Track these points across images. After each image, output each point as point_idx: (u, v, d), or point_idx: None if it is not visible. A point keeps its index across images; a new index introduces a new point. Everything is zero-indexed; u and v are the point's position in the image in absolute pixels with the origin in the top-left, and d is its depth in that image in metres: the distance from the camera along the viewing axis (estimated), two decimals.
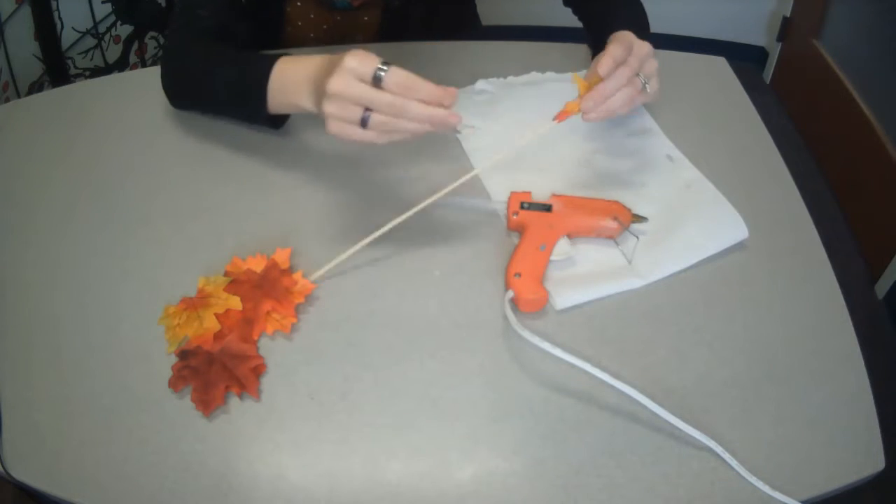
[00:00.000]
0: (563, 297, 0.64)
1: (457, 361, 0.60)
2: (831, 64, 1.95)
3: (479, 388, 0.58)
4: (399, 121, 0.59)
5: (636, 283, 0.66)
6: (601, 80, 0.65)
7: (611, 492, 0.53)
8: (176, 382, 0.57)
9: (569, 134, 0.79)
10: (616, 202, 0.68)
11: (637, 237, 0.68)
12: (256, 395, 0.57)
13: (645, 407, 0.55)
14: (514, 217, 0.67)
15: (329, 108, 0.59)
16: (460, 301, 0.64)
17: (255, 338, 0.61)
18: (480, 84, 0.86)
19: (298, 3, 0.92)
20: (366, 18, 0.94)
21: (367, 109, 0.59)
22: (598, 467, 0.54)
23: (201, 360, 0.59)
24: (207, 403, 0.56)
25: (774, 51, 2.27)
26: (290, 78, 0.68)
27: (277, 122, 0.77)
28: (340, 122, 0.60)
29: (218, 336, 0.60)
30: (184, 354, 0.59)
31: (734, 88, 0.90)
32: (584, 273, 0.66)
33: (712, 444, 0.54)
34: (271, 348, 0.61)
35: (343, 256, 0.65)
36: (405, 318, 0.63)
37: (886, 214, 1.67)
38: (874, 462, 0.55)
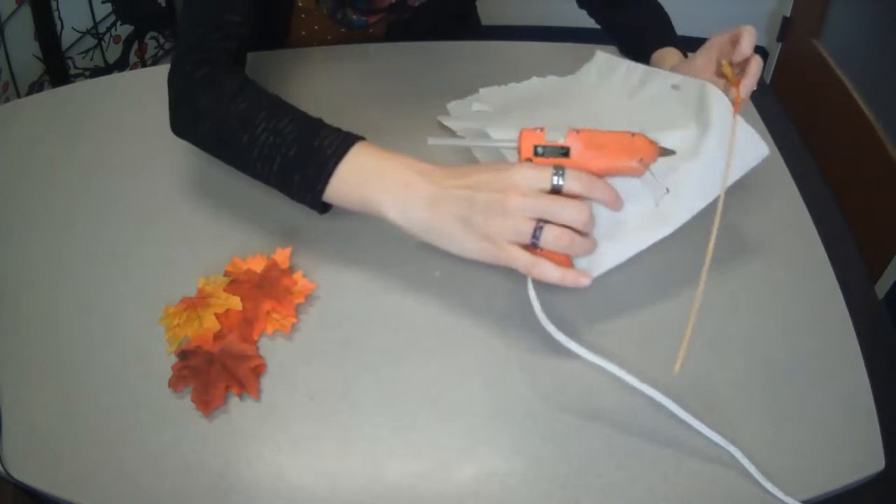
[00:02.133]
0: (596, 262, 0.59)
1: (457, 361, 0.60)
2: (831, 64, 1.95)
3: (479, 388, 0.58)
4: (576, 234, 0.56)
5: (665, 230, 0.61)
6: (729, 64, 0.70)
7: (611, 492, 0.53)
8: (176, 382, 0.57)
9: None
10: (640, 135, 0.60)
11: (667, 189, 0.61)
12: (256, 395, 0.57)
13: (657, 409, 0.55)
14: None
15: (500, 229, 0.55)
16: (460, 301, 0.64)
17: (255, 338, 0.61)
18: (476, 105, 0.82)
19: (303, 15, 0.92)
20: (371, 31, 0.94)
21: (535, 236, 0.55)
22: (598, 467, 0.54)
23: (201, 360, 0.59)
24: (207, 403, 0.56)
25: (774, 51, 2.27)
26: (376, 168, 0.60)
27: (326, 205, 0.64)
28: (510, 248, 0.56)
29: (218, 336, 0.60)
30: (184, 354, 0.59)
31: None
32: (609, 229, 0.61)
33: (731, 448, 0.54)
34: (271, 348, 0.61)
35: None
36: (405, 318, 0.63)
37: (886, 214, 1.67)
38: (874, 462, 0.55)
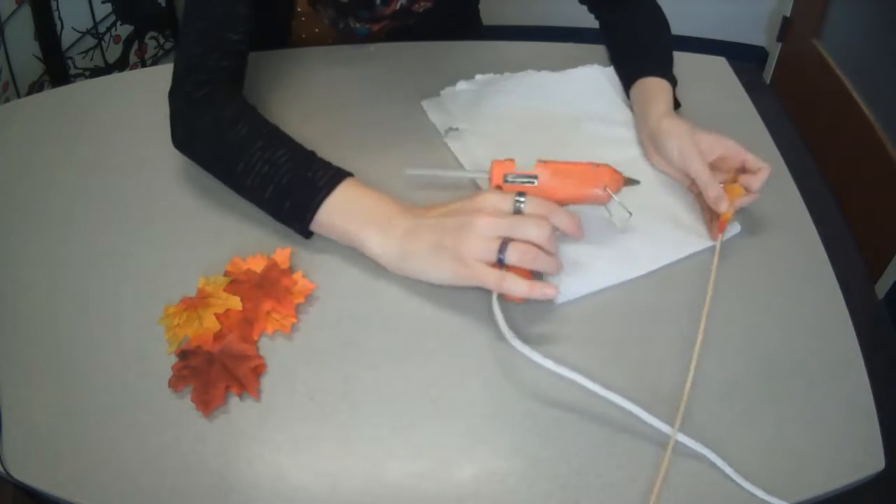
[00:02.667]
0: (564, 288, 0.63)
1: (457, 361, 0.60)
2: (831, 64, 1.95)
3: (479, 388, 0.58)
4: (539, 251, 0.59)
5: (637, 271, 0.66)
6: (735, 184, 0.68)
7: (611, 492, 0.53)
8: (176, 382, 0.57)
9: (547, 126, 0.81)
10: (606, 166, 0.65)
11: (630, 213, 0.66)
12: (256, 395, 0.57)
13: (647, 400, 0.55)
14: None
15: (469, 249, 0.59)
16: (460, 301, 0.64)
17: (255, 338, 0.61)
18: (461, 84, 0.85)
19: (303, 19, 0.92)
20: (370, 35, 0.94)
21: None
22: (598, 467, 0.54)
23: (201, 360, 0.59)
24: (207, 403, 0.56)
25: (774, 51, 2.27)
26: (361, 204, 0.64)
27: (310, 231, 0.67)
28: (481, 268, 0.59)
29: (218, 336, 0.60)
30: (184, 354, 0.59)
31: (734, 88, 0.90)
32: (580, 259, 0.66)
33: (706, 451, 0.54)
34: (271, 348, 0.61)
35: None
36: (405, 318, 0.63)
37: (886, 214, 1.67)
38: (874, 462, 0.55)
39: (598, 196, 0.65)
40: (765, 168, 0.68)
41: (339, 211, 0.64)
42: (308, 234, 0.67)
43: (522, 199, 0.60)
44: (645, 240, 0.68)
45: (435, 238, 0.60)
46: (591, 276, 0.65)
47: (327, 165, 0.66)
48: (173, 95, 0.73)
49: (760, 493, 0.52)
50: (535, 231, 0.59)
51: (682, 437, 0.54)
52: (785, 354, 0.61)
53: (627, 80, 0.83)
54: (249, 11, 0.74)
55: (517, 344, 0.57)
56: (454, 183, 0.72)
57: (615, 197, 0.65)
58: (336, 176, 0.65)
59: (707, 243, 0.68)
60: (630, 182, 0.67)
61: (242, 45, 0.74)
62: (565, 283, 0.64)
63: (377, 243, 0.63)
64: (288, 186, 0.65)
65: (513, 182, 0.63)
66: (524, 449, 0.55)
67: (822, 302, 0.66)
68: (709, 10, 2.26)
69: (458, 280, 0.60)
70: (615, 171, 0.65)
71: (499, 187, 0.64)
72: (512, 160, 0.64)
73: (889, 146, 1.69)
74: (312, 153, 0.67)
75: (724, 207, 0.66)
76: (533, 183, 0.64)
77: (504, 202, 0.60)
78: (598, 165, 0.65)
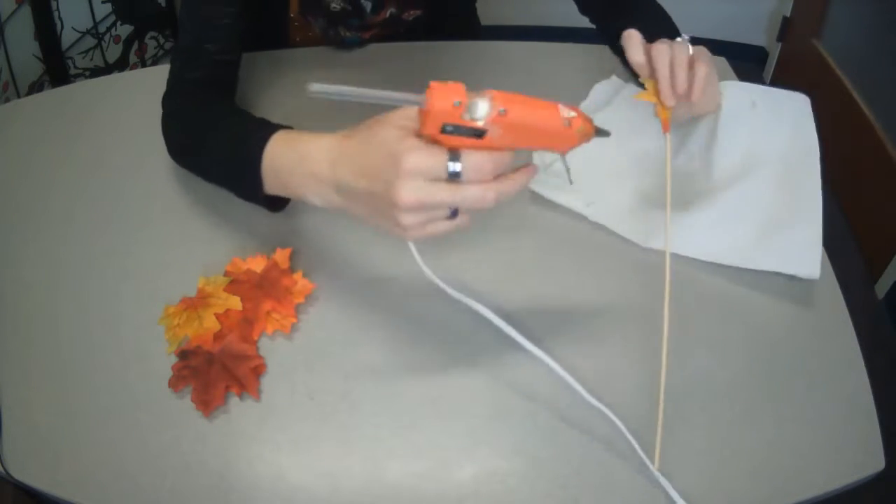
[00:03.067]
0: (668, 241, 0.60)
1: (457, 361, 0.60)
2: (831, 64, 1.95)
3: (479, 388, 0.58)
4: (488, 203, 0.49)
5: (661, 241, 0.65)
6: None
7: (611, 492, 0.53)
8: (176, 382, 0.57)
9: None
10: (575, 108, 0.50)
11: (571, 182, 0.56)
12: (256, 395, 0.57)
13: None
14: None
15: (409, 220, 0.49)
16: (460, 301, 0.64)
17: (255, 338, 0.61)
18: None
19: (296, 24, 0.92)
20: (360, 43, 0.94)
21: None
22: (598, 467, 0.54)
23: (201, 360, 0.59)
24: (207, 403, 0.56)
25: (774, 51, 2.27)
26: (288, 168, 0.59)
27: (277, 204, 0.66)
28: (423, 229, 0.51)
29: (218, 336, 0.60)
30: (184, 354, 0.59)
31: None
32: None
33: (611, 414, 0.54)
34: (271, 348, 0.61)
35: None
36: (405, 319, 0.63)
37: (886, 214, 1.67)
38: (874, 462, 0.55)
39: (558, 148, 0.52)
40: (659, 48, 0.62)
41: (274, 178, 0.61)
42: (277, 207, 0.66)
43: (458, 166, 0.47)
44: (761, 237, 0.67)
45: (367, 206, 0.53)
46: (695, 243, 0.67)
47: (253, 131, 0.62)
48: (162, 109, 0.75)
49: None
50: (478, 204, 0.49)
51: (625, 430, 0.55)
52: (785, 354, 0.61)
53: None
54: (233, 21, 0.74)
55: (427, 271, 0.53)
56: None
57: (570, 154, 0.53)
58: (260, 143, 0.61)
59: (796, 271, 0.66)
60: (601, 133, 0.54)
61: (224, 55, 0.75)
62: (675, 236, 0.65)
63: (318, 202, 0.57)
64: (234, 167, 0.64)
65: (452, 133, 0.47)
66: (524, 449, 0.55)
67: (822, 302, 0.66)
68: (709, 10, 2.26)
69: (405, 238, 0.53)
70: (587, 120, 0.51)
71: (431, 136, 0.48)
72: (461, 88, 0.46)
73: (889, 146, 1.69)
74: (251, 123, 0.65)
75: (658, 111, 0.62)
76: (479, 136, 0.47)
77: (434, 169, 0.48)
78: (570, 122, 0.50)
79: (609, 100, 0.83)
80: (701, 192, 0.70)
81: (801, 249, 0.66)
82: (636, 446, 0.54)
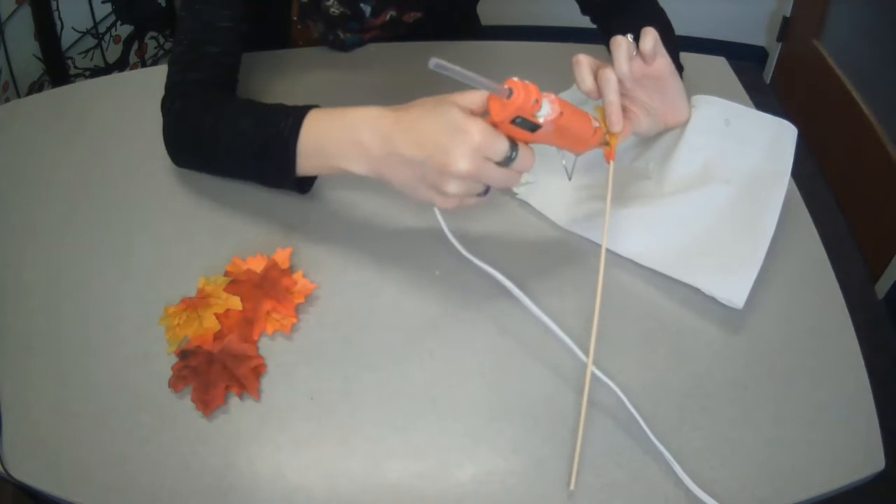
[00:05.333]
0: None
1: (457, 361, 0.60)
2: (831, 64, 1.95)
3: (479, 388, 0.58)
4: (513, 184, 0.57)
5: (608, 242, 0.64)
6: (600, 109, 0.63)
7: (611, 492, 0.53)
8: (176, 382, 0.57)
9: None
10: (600, 126, 0.61)
11: (575, 157, 0.63)
12: (256, 395, 0.57)
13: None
14: (501, 126, 0.55)
15: (454, 188, 0.55)
16: (460, 301, 0.64)
17: (255, 338, 0.61)
18: None
19: (299, 27, 0.92)
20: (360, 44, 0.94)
21: None
22: (598, 467, 0.54)
23: (201, 360, 0.59)
24: (207, 403, 0.56)
25: (774, 51, 2.27)
26: (329, 138, 0.62)
27: (304, 185, 0.70)
28: (458, 200, 0.57)
29: (218, 336, 0.60)
30: (184, 354, 0.59)
31: (734, 88, 0.90)
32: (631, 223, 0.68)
33: (667, 455, 0.53)
34: (271, 348, 0.61)
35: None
36: (405, 318, 0.63)
37: (886, 214, 1.67)
38: (874, 462, 0.55)
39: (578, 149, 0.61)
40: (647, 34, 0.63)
41: (313, 152, 0.63)
42: (304, 188, 0.70)
43: (514, 153, 0.54)
44: (695, 250, 0.66)
45: (415, 174, 0.56)
46: (627, 242, 0.67)
47: (286, 112, 0.64)
48: (162, 109, 0.74)
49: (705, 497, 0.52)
50: (508, 183, 0.56)
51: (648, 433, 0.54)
52: (785, 354, 0.61)
53: None
54: (234, 24, 0.75)
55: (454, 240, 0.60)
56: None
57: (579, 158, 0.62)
58: (297, 119, 0.63)
59: (676, 276, 0.66)
60: (604, 144, 0.62)
61: (225, 57, 0.75)
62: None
63: (359, 169, 0.60)
64: (262, 150, 0.65)
65: (518, 125, 0.54)
66: (524, 449, 0.55)
67: (822, 302, 0.66)
68: (709, 10, 2.26)
69: (440, 207, 0.58)
70: (602, 132, 0.61)
71: (494, 123, 0.54)
72: (535, 88, 0.53)
73: (889, 146, 1.69)
74: (273, 106, 0.66)
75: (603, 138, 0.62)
76: (533, 130, 0.55)
77: (497, 153, 0.54)
78: (595, 126, 0.60)
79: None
80: (646, 195, 0.70)
81: (733, 275, 0.64)
82: (651, 434, 0.54)
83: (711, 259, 0.65)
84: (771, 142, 0.72)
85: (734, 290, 0.63)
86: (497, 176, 0.55)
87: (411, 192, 0.58)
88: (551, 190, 0.73)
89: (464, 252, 0.63)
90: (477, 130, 0.53)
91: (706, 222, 0.67)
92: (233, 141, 0.67)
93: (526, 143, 0.56)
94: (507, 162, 0.55)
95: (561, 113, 0.54)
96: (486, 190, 0.58)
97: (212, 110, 0.70)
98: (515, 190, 0.73)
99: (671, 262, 0.66)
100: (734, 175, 0.70)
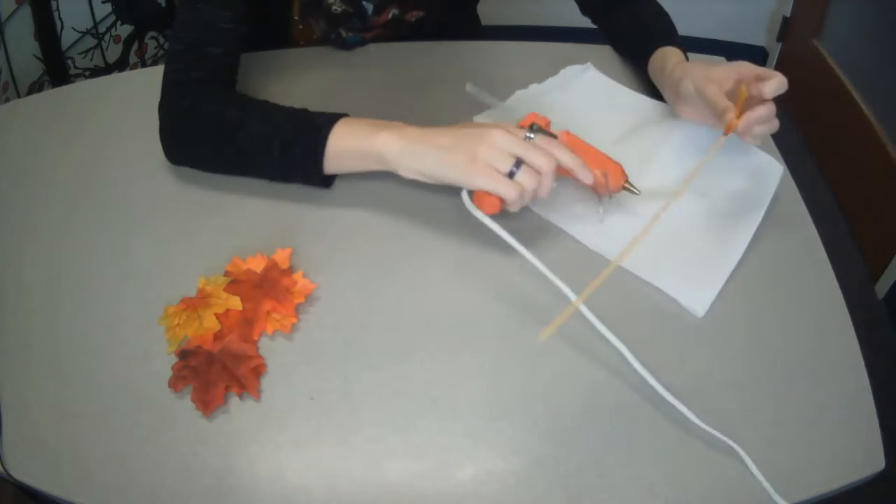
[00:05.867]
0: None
1: (457, 361, 0.60)
2: (831, 64, 1.95)
3: (479, 388, 0.58)
4: (542, 178, 0.61)
5: (593, 243, 0.68)
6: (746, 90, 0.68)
7: (611, 492, 0.53)
8: (176, 382, 0.57)
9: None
10: (618, 164, 0.68)
11: (610, 197, 0.69)
12: (256, 395, 0.57)
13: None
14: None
15: (485, 153, 0.60)
16: (460, 301, 0.64)
17: (255, 338, 0.61)
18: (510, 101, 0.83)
19: (300, 26, 0.92)
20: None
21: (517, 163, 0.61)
22: (598, 467, 0.54)
23: (201, 360, 0.59)
24: (207, 403, 0.56)
25: (774, 51, 2.27)
26: (362, 123, 0.67)
27: (329, 178, 0.72)
28: (491, 169, 0.60)
29: (218, 336, 0.60)
30: (184, 354, 0.59)
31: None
32: (557, 206, 0.70)
33: (731, 442, 0.54)
34: (271, 348, 0.61)
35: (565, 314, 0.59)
36: (405, 318, 0.63)
37: (886, 214, 1.67)
38: (874, 462, 0.55)
39: (598, 178, 0.67)
40: (776, 75, 0.67)
41: (346, 136, 0.66)
42: (327, 181, 0.71)
43: (532, 135, 0.63)
44: (667, 254, 0.67)
45: (451, 141, 0.62)
46: (559, 218, 0.70)
47: (324, 112, 0.68)
48: (163, 110, 0.74)
49: (775, 495, 0.52)
50: (544, 160, 0.61)
51: (689, 414, 0.55)
52: (785, 354, 0.61)
53: (641, 57, 0.84)
54: (235, 26, 0.75)
55: (478, 214, 0.62)
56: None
57: (609, 198, 0.68)
58: (334, 115, 0.67)
59: (660, 285, 0.66)
60: (630, 188, 0.69)
61: (227, 57, 0.76)
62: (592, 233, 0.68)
63: (391, 142, 0.64)
64: (291, 135, 0.67)
65: (534, 131, 0.65)
66: (524, 449, 0.55)
67: (822, 302, 0.66)
68: (709, 10, 2.26)
69: (467, 177, 0.61)
70: (622, 172, 0.68)
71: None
72: (549, 122, 0.68)
73: (889, 146, 1.69)
74: (306, 109, 0.69)
75: (730, 116, 0.68)
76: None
77: (517, 132, 0.62)
78: (613, 161, 0.68)
79: (569, 83, 0.86)
80: (627, 201, 0.71)
81: (699, 285, 0.65)
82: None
83: (680, 264, 0.67)
84: (756, 172, 0.74)
85: (697, 299, 0.64)
86: (524, 149, 0.61)
87: (447, 155, 0.62)
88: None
89: (499, 231, 0.62)
90: (498, 128, 0.62)
91: (679, 230, 0.69)
92: (261, 128, 0.68)
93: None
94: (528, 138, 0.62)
95: (569, 133, 0.68)
96: (514, 169, 0.61)
97: (235, 102, 0.71)
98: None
99: (643, 262, 0.66)
100: (713, 190, 0.72)
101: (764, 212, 0.71)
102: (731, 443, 0.54)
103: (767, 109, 0.68)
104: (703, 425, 0.55)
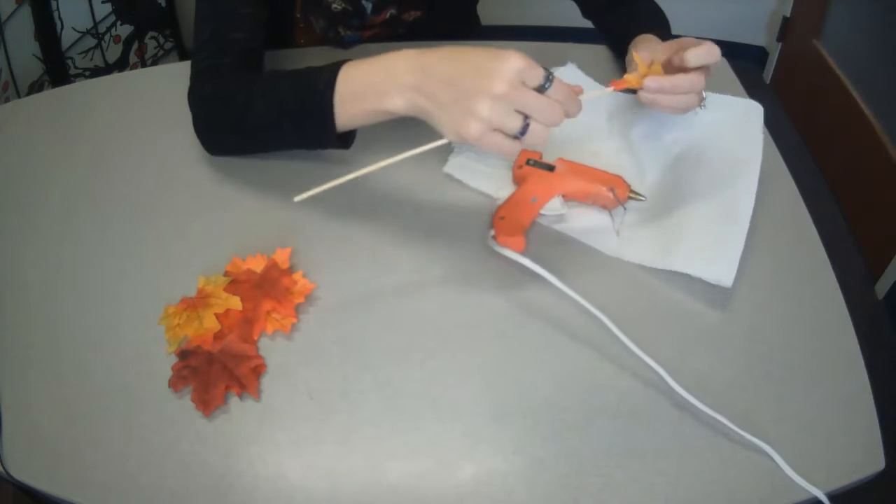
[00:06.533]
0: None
1: (457, 361, 0.60)
2: (831, 64, 1.95)
3: (479, 388, 0.58)
4: (557, 117, 0.56)
5: (613, 250, 0.68)
6: (659, 65, 0.65)
7: (611, 492, 0.53)
8: (176, 382, 0.57)
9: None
10: (618, 177, 0.70)
11: (625, 208, 0.70)
12: (256, 395, 0.57)
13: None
14: (518, 170, 0.71)
15: (486, 110, 0.55)
16: (460, 301, 0.64)
17: (255, 338, 0.61)
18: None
19: (301, 25, 0.93)
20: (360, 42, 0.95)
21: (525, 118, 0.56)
22: (598, 467, 0.54)
23: (201, 360, 0.59)
24: (207, 403, 0.56)
25: (774, 51, 2.27)
26: (365, 80, 0.63)
27: (347, 139, 0.70)
28: (498, 132, 0.56)
29: (218, 336, 0.60)
30: (184, 354, 0.59)
31: (734, 88, 0.90)
32: (570, 229, 0.70)
33: (757, 441, 0.54)
34: (271, 348, 0.61)
35: (332, 184, 0.60)
36: (405, 318, 0.63)
37: (886, 214, 1.67)
38: (874, 462, 0.55)
39: (604, 196, 0.69)
40: (704, 44, 0.64)
41: (351, 99, 0.64)
42: (345, 143, 0.69)
43: (549, 83, 0.56)
44: (676, 238, 0.67)
45: (449, 96, 0.57)
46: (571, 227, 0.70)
47: (320, 68, 0.67)
48: (190, 98, 0.74)
49: (804, 483, 0.52)
50: (551, 119, 0.56)
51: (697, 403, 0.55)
52: (785, 354, 0.61)
53: (625, 44, 0.81)
54: (255, 10, 0.75)
55: (505, 252, 0.62)
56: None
57: (624, 207, 0.70)
58: (332, 71, 0.65)
59: (680, 269, 0.65)
60: (636, 196, 0.70)
61: (250, 42, 0.76)
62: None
63: (396, 103, 0.61)
64: (299, 106, 0.67)
65: (532, 165, 0.69)
66: (524, 449, 0.55)
67: (822, 302, 0.66)
68: (709, 10, 2.26)
69: (468, 141, 0.57)
70: (625, 182, 0.69)
71: (521, 167, 0.70)
72: (539, 153, 0.70)
73: (889, 146, 1.69)
74: (306, 68, 0.68)
75: (629, 71, 0.66)
76: (551, 170, 0.69)
77: (532, 77, 0.55)
78: (612, 175, 0.70)
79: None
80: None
81: (720, 256, 0.65)
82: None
83: (693, 244, 0.66)
84: (739, 124, 0.74)
85: (721, 269, 0.64)
86: (531, 101, 0.55)
87: (445, 115, 0.57)
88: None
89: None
90: (516, 56, 0.55)
91: (682, 212, 0.69)
92: (269, 105, 0.68)
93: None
94: (541, 90, 0.56)
95: (565, 160, 0.70)
96: (519, 135, 0.56)
97: (243, 84, 0.71)
98: (495, 197, 0.73)
99: (655, 255, 0.67)
100: (704, 164, 0.72)
101: (760, 160, 0.70)
102: (730, 443, 0.54)
103: (688, 80, 0.64)
104: (734, 428, 0.55)
